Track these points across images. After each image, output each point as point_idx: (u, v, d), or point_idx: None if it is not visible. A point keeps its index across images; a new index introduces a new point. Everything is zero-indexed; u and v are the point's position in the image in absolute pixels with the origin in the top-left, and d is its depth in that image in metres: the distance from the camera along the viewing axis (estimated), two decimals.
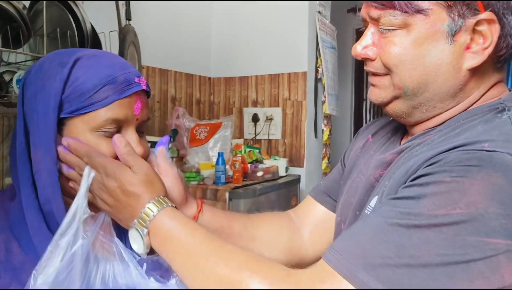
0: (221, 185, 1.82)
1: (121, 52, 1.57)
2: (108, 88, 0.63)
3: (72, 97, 0.62)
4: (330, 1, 2.58)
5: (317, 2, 2.39)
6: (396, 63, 0.60)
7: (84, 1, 1.38)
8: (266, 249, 0.80)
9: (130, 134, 0.66)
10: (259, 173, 1.99)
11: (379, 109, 3.77)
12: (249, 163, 2.08)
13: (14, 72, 1.34)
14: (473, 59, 0.58)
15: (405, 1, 0.56)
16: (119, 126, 0.65)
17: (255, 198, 1.85)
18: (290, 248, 0.83)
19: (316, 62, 2.40)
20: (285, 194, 2.12)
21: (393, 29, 0.59)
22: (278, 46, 2.39)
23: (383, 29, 0.60)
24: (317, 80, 2.42)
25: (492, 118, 0.58)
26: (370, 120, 3.35)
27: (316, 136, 2.46)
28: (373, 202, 0.63)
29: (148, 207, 0.61)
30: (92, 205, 0.62)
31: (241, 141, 2.31)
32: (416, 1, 0.56)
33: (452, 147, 0.54)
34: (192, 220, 0.64)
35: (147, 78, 2.12)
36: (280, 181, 2.10)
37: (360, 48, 0.63)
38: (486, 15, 0.56)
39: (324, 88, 2.43)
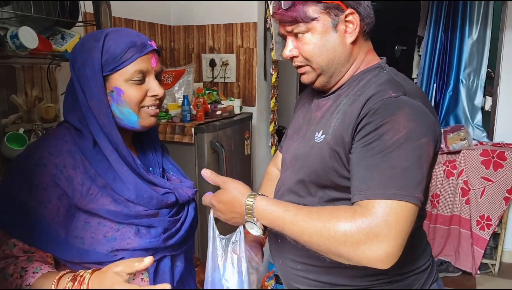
0: (187, 122, 2.19)
1: (96, 10, 1.80)
2: (131, 50, 0.88)
3: (109, 60, 0.87)
4: None
5: None
6: (311, 55, 0.93)
7: None
8: None
9: (152, 81, 0.91)
10: (218, 112, 2.35)
11: None
12: (209, 103, 2.44)
13: (7, 29, 1.55)
14: (351, 37, 0.93)
15: (303, 16, 0.90)
16: (143, 76, 0.90)
17: (215, 132, 2.22)
18: None
19: (265, 14, 2.71)
20: (239, 129, 2.51)
21: (302, 34, 0.93)
22: None
23: (297, 33, 0.93)
24: (266, 30, 2.73)
25: (378, 73, 0.94)
26: None
27: (265, 79, 2.81)
28: (319, 133, 0.93)
29: (247, 203, 0.87)
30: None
31: (201, 84, 2.64)
32: (309, 14, 0.90)
33: (368, 97, 0.85)
34: (280, 201, 0.88)
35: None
36: (235, 118, 2.47)
37: (288, 52, 0.97)
38: (348, 11, 0.91)
39: (272, 36, 2.72)
